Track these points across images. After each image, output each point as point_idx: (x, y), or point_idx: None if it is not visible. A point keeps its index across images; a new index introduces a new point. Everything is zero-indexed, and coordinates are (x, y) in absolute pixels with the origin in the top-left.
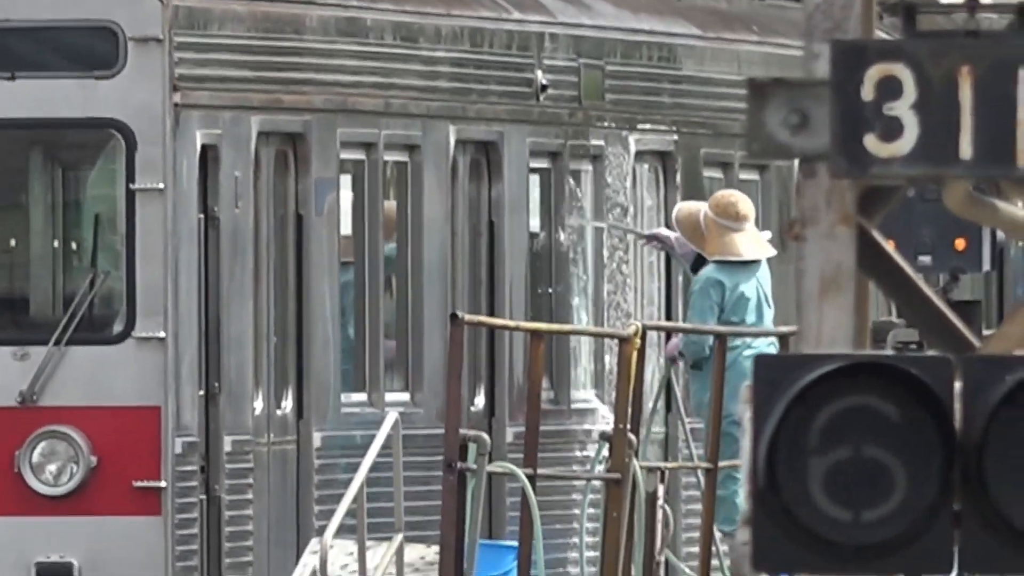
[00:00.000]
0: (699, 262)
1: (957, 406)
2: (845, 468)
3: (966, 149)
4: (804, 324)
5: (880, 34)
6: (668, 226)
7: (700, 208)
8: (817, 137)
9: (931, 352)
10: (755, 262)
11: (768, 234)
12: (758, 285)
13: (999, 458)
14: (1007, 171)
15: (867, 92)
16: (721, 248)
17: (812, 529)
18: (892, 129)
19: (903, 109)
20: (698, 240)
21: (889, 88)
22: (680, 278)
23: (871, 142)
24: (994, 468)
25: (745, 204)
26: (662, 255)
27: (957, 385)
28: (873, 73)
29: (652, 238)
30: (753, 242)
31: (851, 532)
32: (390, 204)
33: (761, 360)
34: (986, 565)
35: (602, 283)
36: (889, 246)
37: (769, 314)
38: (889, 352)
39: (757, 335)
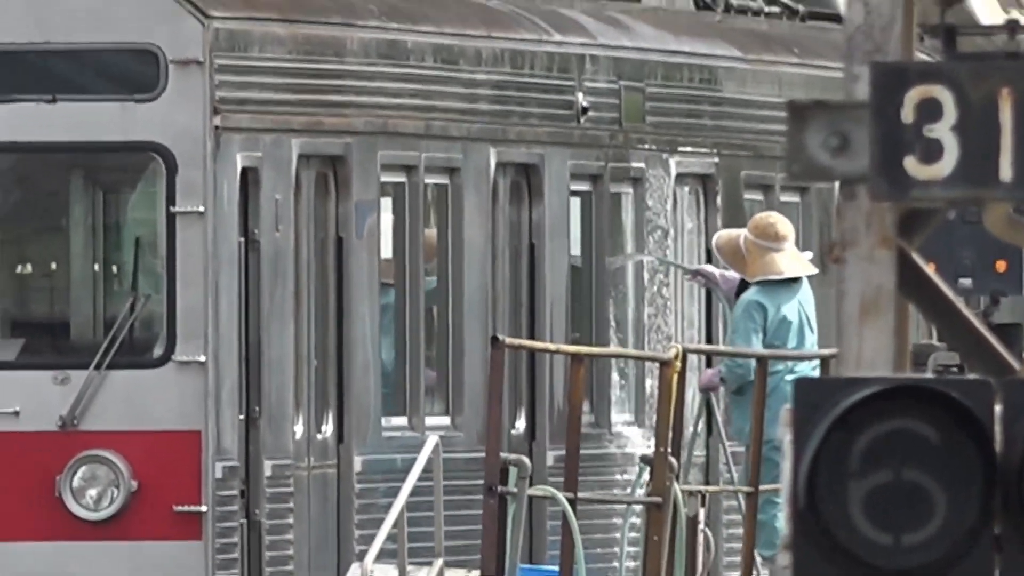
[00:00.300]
0: (741, 290)
1: (998, 429)
2: (885, 491)
3: (1006, 171)
4: (844, 347)
5: (921, 56)
6: (708, 251)
7: (740, 233)
8: (857, 159)
9: (972, 375)
10: (796, 282)
11: (809, 254)
12: (800, 308)
13: None
14: None
15: (907, 114)
16: (762, 268)
17: (852, 552)
18: (932, 151)
19: (943, 131)
20: (739, 264)
21: (929, 110)
22: (720, 305)
23: (911, 164)
24: None
25: (784, 225)
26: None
27: (998, 408)
28: (913, 95)
29: (697, 273)
30: (793, 261)
31: (891, 556)
32: (431, 231)
33: (801, 383)
34: None
35: (643, 306)
36: (930, 269)
37: (811, 339)
38: (929, 375)
39: (798, 358)
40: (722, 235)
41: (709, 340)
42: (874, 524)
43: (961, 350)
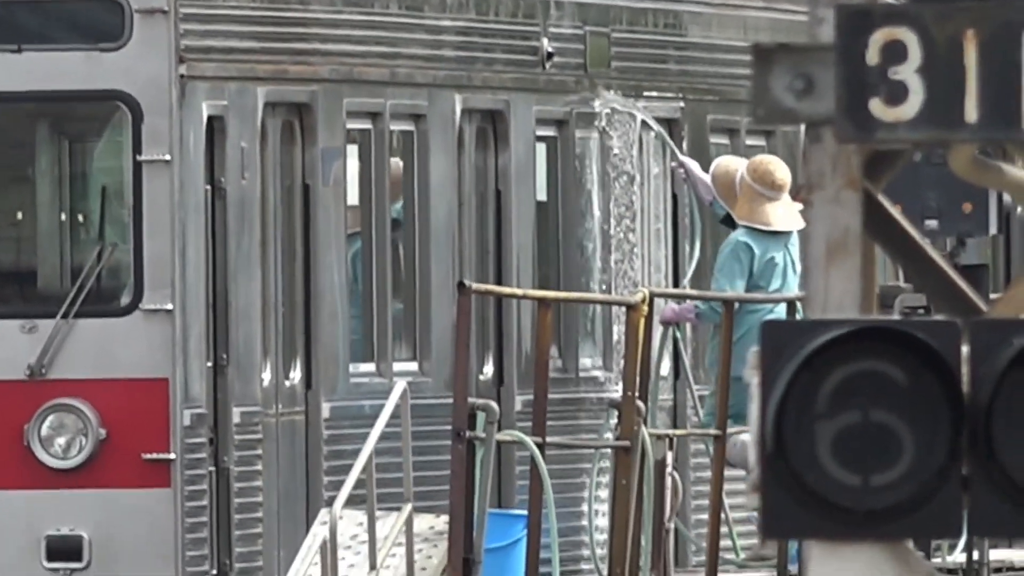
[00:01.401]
0: (727, 217)
1: (965, 370)
2: (853, 433)
3: (971, 112)
4: (811, 289)
5: None
6: (675, 195)
7: (738, 168)
8: (822, 102)
9: (938, 316)
10: (786, 232)
11: (801, 205)
12: (786, 250)
13: (1007, 422)
14: (1013, 134)
15: (872, 56)
16: (751, 215)
17: (820, 494)
18: (897, 93)
19: (908, 73)
20: (731, 200)
21: (894, 52)
22: (688, 245)
23: (876, 106)
24: (1002, 432)
25: (783, 172)
26: (668, 217)
27: (964, 349)
28: (878, 37)
29: (683, 167)
30: (786, 213)
31: (860, 497)
32: (397, 163)
33: (768, 326)
34: (995, 529)
35: (609, 251)
36: (896, 210)
37: (795, 280)
38: (896, 317)
39: (765, 301)
40: (720, 164)
41: (676, 284)
42: (842, 465)
43: (928, 291)
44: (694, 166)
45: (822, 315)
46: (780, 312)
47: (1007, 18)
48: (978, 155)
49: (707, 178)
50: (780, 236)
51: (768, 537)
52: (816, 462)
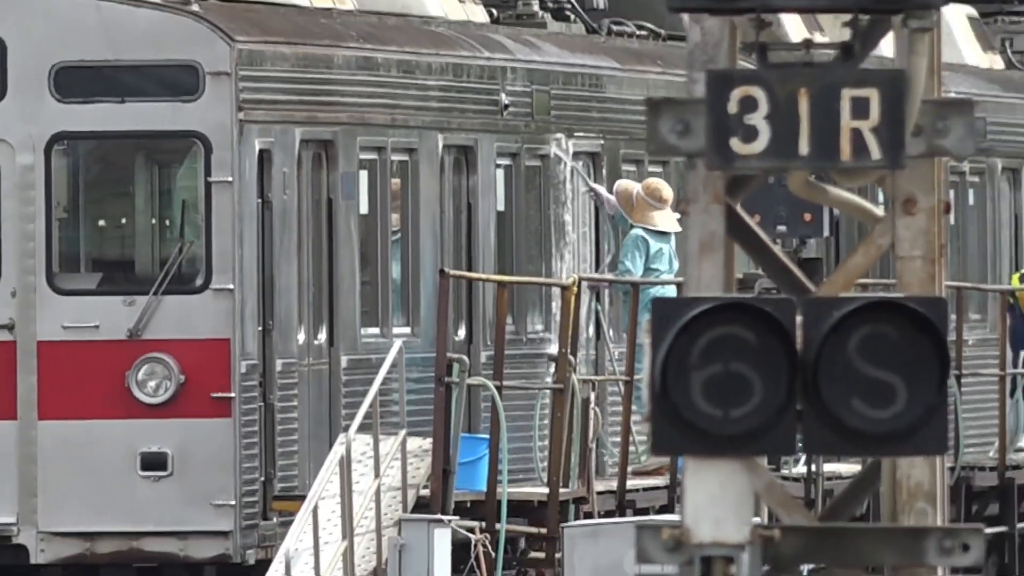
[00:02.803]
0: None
1: (799, 334)
2: (717, 379)
3: (804, 148)
4: (688, 275)
5: (743, 64)
6: (596, 209)
7: (635, 187)
8: (696, 140)
9: (780, 295)
10: (668, 233)
11: (677, 215)
12: (670, 246)
13: (829, 371)
14: (834, 164)
15: (732, 107)
16: (644, 219)
17: (694, 423)
18: (750, 134)
19: (758, 119)
20: (628, 209)
21: (748, 104)
22: (605, 244)
23: (735, 143)
24: (825, 379)
25: (667, 191)
26: (592, 224)
27: (798, 319)
28: (736, 93)
29: (592, 191)
30: (668, 219)
31: (722, 426)
32: (396, 183)
33: (656, 302)
34: (821, 448)
35: (550, 248)
36: (754, 219)
37: (676, 265)
38: (751, 296)
39: (655, 284)
40: (621, 184)
41: (596, 270)
42: (709, 403)
43: (772, 277)
44: (602, 190)
45: (696, 294)
46: (670, 291)
47: (829, 81)
48: (809, 179)
49: (612, 199)
50: (664, 235)
51: (656, 454)
52: (690, 400)
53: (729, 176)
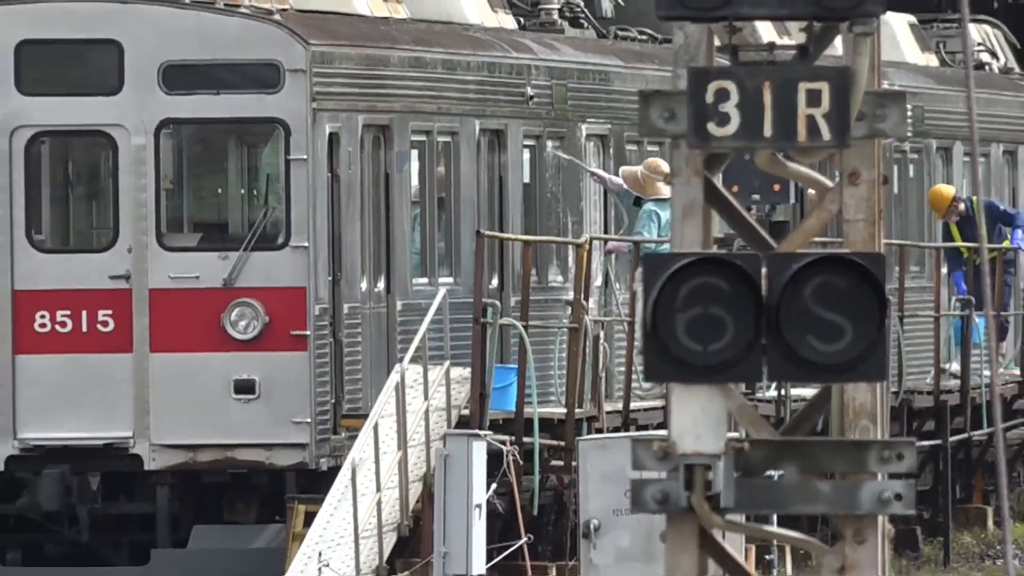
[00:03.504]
0: (636, 201)
1: (764, 283)
2: (698, 320)
3: (768, 131)
4: (674, 236)
5: (719, 62)
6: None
7: (637, 169)
8: (680, 124)
9: (749, 251)
10: None
11: None
12: None
13: (788, 313)
14: (792, 143)
15: (709, 97)
16: (654, 191)
17: (678, 356)
18: (724, 119)
19: (731, 107)
20: (637, 188)
21: (722, 95)
22: (612, 211)
23: (712, 127)
24: (785, 319)
25: (665, 165)
26: (602, 193)
27: (764, 270)
28: (713, 86)
29: (593, 174)
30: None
31: (702, 358)
32: (440, 169)
33: (647, 257)
34: (781, 376)
35: (567, 213)
36: (733, 190)
37: None
38: (727, 251)
39: (651, 241)
40: (626, 169)
41: (605, 231)
42: (691, 339)
43: (742, 236)
44: (602, 172)
45: (679, 250)
46: (665, 249)
47: (788, 76)
48: (773, 156)
49: (615, 179)
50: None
51: (648, 380)
52: (676, 337)
53: (707, 154)
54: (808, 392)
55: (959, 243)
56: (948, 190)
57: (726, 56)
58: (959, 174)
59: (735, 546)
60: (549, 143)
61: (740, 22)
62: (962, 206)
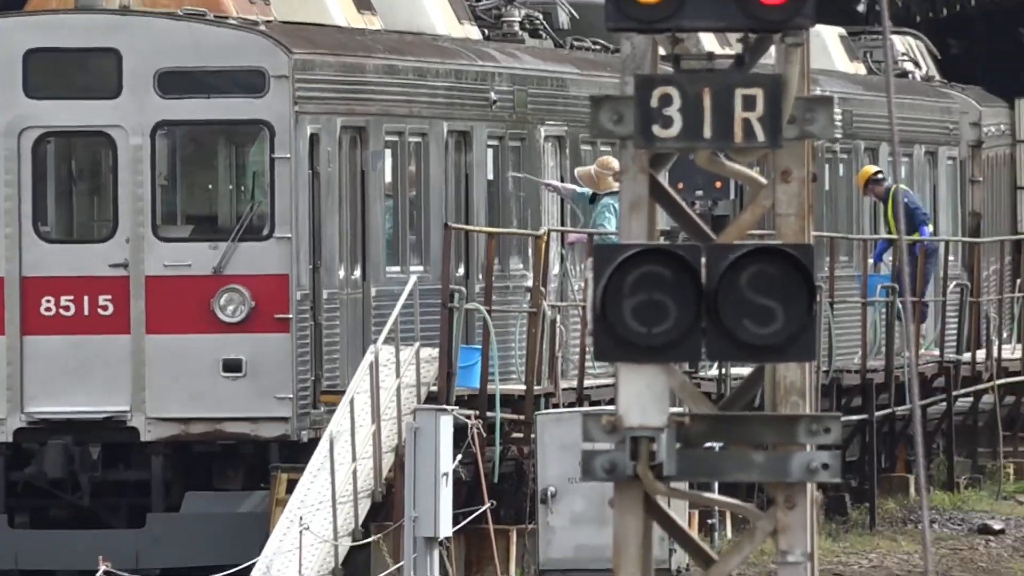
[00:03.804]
0: (593, 198)
1: (704, 272)
2: (643, 305)
3: (708, 132)
4: (622, 229)
5: (666, 69)
6: (561, 177)
7: (590, 168)
8: (628, 127)
9: (691, 242)
10: None
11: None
12: None
13: (725, 299)
14: (729, 144)
15: (654, 102)
16: (607, 186)
17: (625, 338)
18: (668, 122)
19: (673, 111)
20: (592, 184)
21: (666, 100)
22: (567, 206)
23: (656, 129)
24: (723, 304)
25: (616, 162)
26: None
27: (703, 260)
28: (657, 92)
29: (548, 186)
30: None
31: (647, 339)
32: (411, 168)
33: (598, 247)
34: (719, 356)
35: (527, 209)
36: (678, 186)
37: None
38: (670, 243)
39: (600, 233)
40: (581, 169)
41: (562, 224)
42: (637, 322)
43: (684, 228)
44: (555, 183)
45: (627, 241)
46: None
47: (726, 83)
48: (711, 155)
49: (568, 186)
50: None
51: (598, 360)
52: (623, 320)
53: (652, 153)
54: (747, 371)
55: (882, 235)
56: (870, 168)
57: (670, 64)
58: (885, 172)
59: (679, 512)
60: (516, 174)
61: (683, 33)
62: (881, 188)
